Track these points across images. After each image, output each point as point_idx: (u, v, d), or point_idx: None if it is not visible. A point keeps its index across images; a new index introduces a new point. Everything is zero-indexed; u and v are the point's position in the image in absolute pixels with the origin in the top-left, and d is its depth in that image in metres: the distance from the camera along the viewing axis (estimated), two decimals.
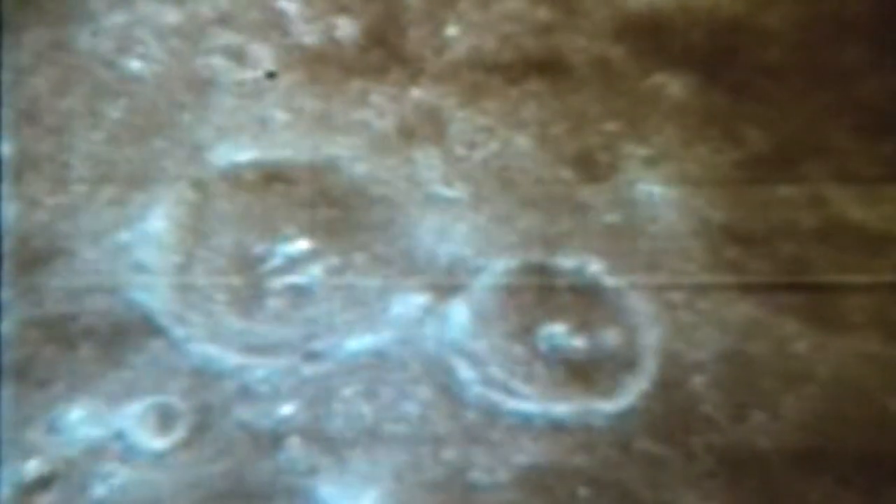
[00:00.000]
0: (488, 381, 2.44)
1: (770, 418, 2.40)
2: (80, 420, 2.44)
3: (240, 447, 2.43)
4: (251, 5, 2.59)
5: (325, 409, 2.44)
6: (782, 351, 2.43)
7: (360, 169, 2.53)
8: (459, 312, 2.47)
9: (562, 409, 2.43)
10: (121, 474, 2.42)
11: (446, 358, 2.45)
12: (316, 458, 2.42)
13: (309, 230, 2.51)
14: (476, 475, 2.41)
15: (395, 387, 2.45)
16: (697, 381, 2.43)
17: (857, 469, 2.38)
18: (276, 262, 2.50)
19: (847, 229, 2.47)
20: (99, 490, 2.42)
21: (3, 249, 2.50)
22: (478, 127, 2.54)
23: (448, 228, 2.51)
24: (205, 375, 2.45)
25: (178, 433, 2.43)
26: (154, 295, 2.49)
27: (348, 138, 2.54)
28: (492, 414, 2.43)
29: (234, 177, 2.53)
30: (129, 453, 2.42)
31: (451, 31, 2.57)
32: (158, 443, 2.43)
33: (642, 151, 2.51)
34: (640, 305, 2.46)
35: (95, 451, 2.43)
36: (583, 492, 2.39)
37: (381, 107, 2.54)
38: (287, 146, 2.54)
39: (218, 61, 2.57)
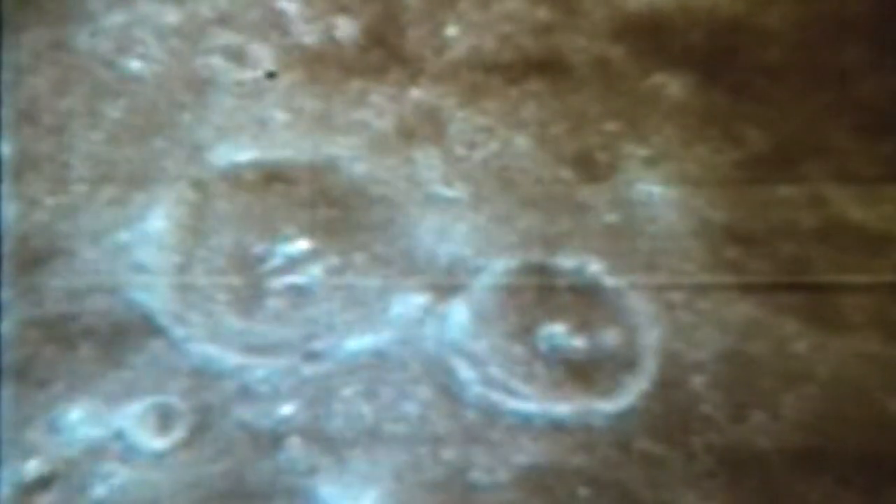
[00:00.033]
0: (488, 381, 2.44)
1: (770, 418, 2.40)
2: (80, 420, 2.44)
3: (240, 447, 2.43)
4: (251, 5, 2.59)
5: (325, 409, 2.44)
6: (782, 351, 2.43)
7: (360, 169, 2.53)
8: (459, 312, 2.47)
9: (562, 409, 2.43)
10: (121, 474, 2.42)
11: (446, 358, 2.45)
12: (316, 458, 2.42)
13: (309, 230, 2.51)
14: (476, 475, 2.41)
15: (395, 387, 2.45)
16: (697, 381, 2.43)
17: (857, 469, 2.38)
18: (276, 262, 2.50)
19: (847, 229, 2.47)
20: (99, 490, 2.42)
21: (3, 249, 2.50)
22: (478, 127, 2.54)
23: (448, 228, 2.51)
24: (205, 375, 2.45)
25: (178, 433, 2.43)
26: (154, 295, 2.49)
27: (348, 138, 2.54)
28: (492, 414, 2.43)
29: (234, 177, 2.53)
30: (129, 453, 2.42)
31: (451, 31, 2.57)
32: (158, 443, 2.43)
33: (642, 151, 2.51)
34: (639, 305, 2.46)
35: (95, 451, 2.43)
36: (583, 492, 2.40)
37: (380, 107, 2.54)
38: (287, 146, 2.54)
39: (218, 61, 2.57)
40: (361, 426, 2.44)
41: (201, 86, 2.56)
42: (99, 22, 2.58)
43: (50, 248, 2.50)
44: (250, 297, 2.48)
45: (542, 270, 2.49)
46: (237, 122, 2.55)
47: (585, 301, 2.47)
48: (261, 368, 2.45)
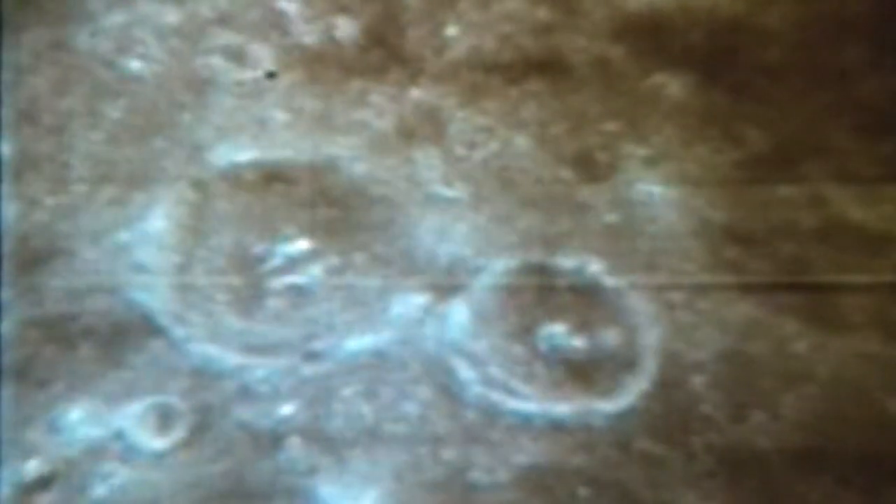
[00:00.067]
0: (488, 381, 2.44)
1: (770, 418, 2.40)
2: (80, 420, 2.44)
3: (240, 447, 2.43)
4: (251, 5, 2.59)
5: (325, 409, 2.44)
6: (782, 351, 2.43)
7: (360, 169, 2.53)
8: (459, 312, 2.47)
9: (562, 409, 2.43)
10: (121, 474, 2.42)
11: (446, 358, 2.45)
12: (316, 458, 2.43)
13: (309, 230, 2.51)
14: (476, 475, 2.41)
15: (395, 387, 2.45)
16: (697, 381, 2.43)
17: (857, 469, 2.38)
18: (276, 262, 2.50)
19: (847, 229, 2.47)
20: (99, 490, 2.42)
21: (3, 249, 2.50)
22: (478, 127, 2.54)
23: (448, 228, 2.51)
24: (205, 375, 2.45)
25: (178, 433, 2.43)
26: (154, 295, 2.49)
27: (348, 138, 2.54)
28: (492, 414, 2.43)
29: (234, 177, 2.53)
30: (129, 453, 2.42)
31: (451, 31, 2.57)
32: (158, 443, 2.43)
33: (642, 151, 2.51)
34: (639, 305, 2.46)
35: (95, 451, 2.43)
36: (583, 492, 2.40)
37: (380, 107, 2.54)
38: (287, 146, 2.54)
39: (218, 61, 2.57)
40: (361, 426, 2.44)
41: (201, 86, 2.56)
42: (99, 22, 2.58)
43: (50, 248, 2.50)
44: (250, 297, 2.49)
45: (542, 270, 2.49)
46: (237, 122, 2.55)
47: (585, 301, 2.47)
48: (261, 368, 2.45)
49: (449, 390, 2.44)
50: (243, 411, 2.44)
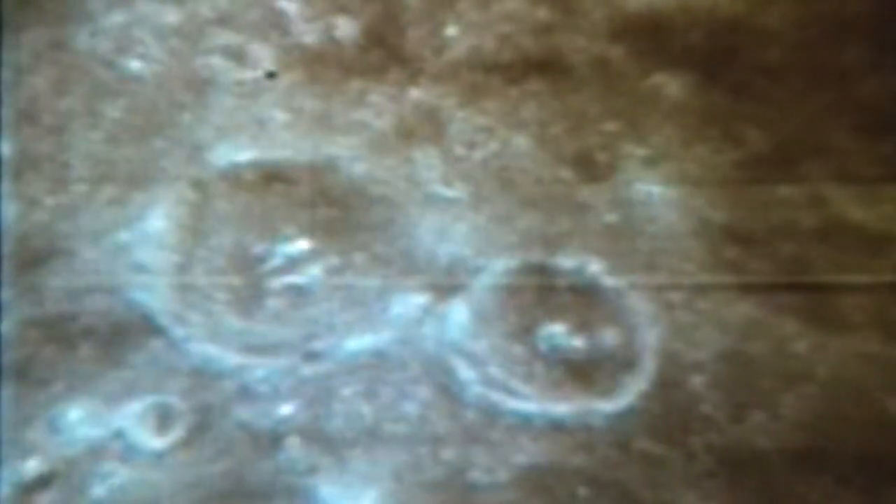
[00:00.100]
0: (488, 381, 2.44)
1: (770, 418, 2.40)
2: (80, 420, 2.44)
3: (239, 447, 2.43)
4: (251, 5, 2.59)
5: (324, 409, 2.44)
6: (782, 351, 2.43)
7: (360, 169, 2.53)
8: (459, 312, 2.47)
9: (561, 409, 2.43)
10: (120, 474, 2.42)
11: (446, 358, 2.45)
12: (316, 457, 2.43)
13: (309, 230, 2.51)
14: (476, 475, 2.41)
15: (395, 387, 2.45)
16: (697, 381, 2.43)
17: (856, 469, 2.38)
18: (275, 262, 2.50)
19: (847, 229, 2.47)
20: (98, 490, 2.42)
21: (3, 249, 2.50)
22: (477, 127, 2.54)
23: (448, 228, 2.51)
24: (204, 375, 2.45)
25: (178, 433, 2.43)
26: (154, 295, 2.49)
27: (348, 138, 2.54)
28: (491, 414, 2.43)
29: (233, 177, 2.53)
30: (129, 453, 2.43)
31: (451, 31, 2.57)
32: (158, 442, 2.43)
33: (642, 151, 2.51)
34: (639, 305, 2.46)
35: (95, 451, 2.43)
36: (582, 492, 2.40)
37: (380, 107, 2.54)
38: (287, 146, 2.54)
39: (217, 61, 2.57)
40: (361, 426, 2.44)
41: (201, 86, 2.56)
42: (99, 22, 2.58)
43: (50, 248, 2.50)
44: (250, 297, 2.49)
45: (542, 270, 2.49)
46: (237, 122, 2.55)
47: (585, 301, 2.47)
48: (260, 368, 2.45)
49: (449, 390, 2.44)
50: (243, 411, 2.44)
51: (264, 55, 2.57)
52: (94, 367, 2.46)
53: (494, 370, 2.44)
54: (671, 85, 2.53)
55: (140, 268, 2.49)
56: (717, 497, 2.39)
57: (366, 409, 2.44)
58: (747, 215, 2.48)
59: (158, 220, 2.51)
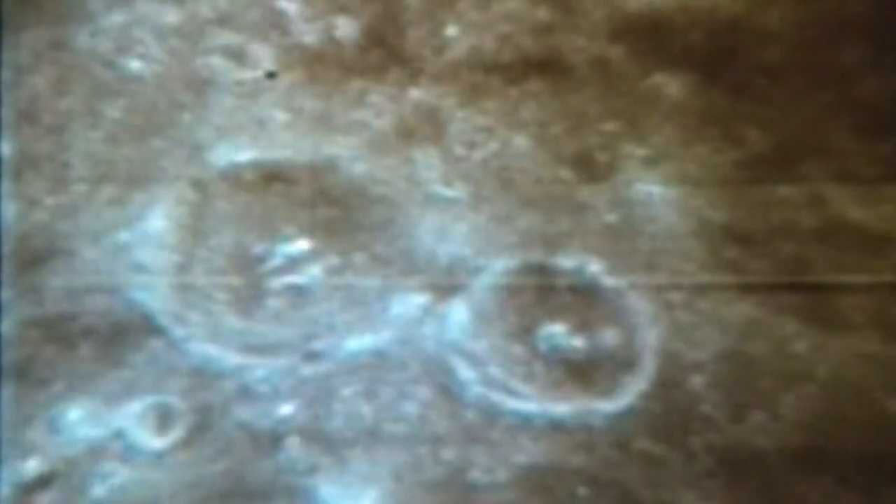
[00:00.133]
0: (488, 381, 2.44)
1: (769, 418, 2.40)
2: (80, 419, 2.44)
3: (239, 447, 2.43)
4: (251, 5, 2.59)
5: (324, 408, 2.44)
6: (782, 351, 2.43)
7: (360, 169, 2.53)
8: (459, 312, 2.47)
9: (561, 408, 2.43)
10: (120, 474, 2.42)
11: (446, 358, 2.45)
12: (316, 457, 2.43)
13: (309, 230, 2.51)
14: (475, 475, 2.41)
15: (395, 387, 2.45)
16: (697, 381, 2.43)
17: (856, 469, 2.38)
18: (275, 262, 2.50)
19: (847, 229, 2.47)
20: (98, 489, 2.42)
21: (3, 249, 2.50)
22: (477, 127, 2.54)
23: (448, 228, 2.51)
24: (204, 375, 2.45)
25: (178, 433, 2.43)
26: (154, 295, 2.49)
27: (348, 138, 2.54)
28: (491, 414, 2.43)
29: (233, 177, 2.53)
30: (129, 453, 2.43)
31: (451, 31, 2.57)
32: (158, 442, 2.43)
33: (641, 151, 2.51)
34: (639, 305, 2.46)
35: (95, 451, 2.43)
36: (582, 491, 2.40)
37: (380, 107, 2.54)
38: (286, 146, 2.54)
39: (217, 61, 2.57)
40: (361, 426, 2.44)
41: (201, 86, 2.56)
42: (99, 22, 2.58)
43: (50, 247, 2.50)
44: (250, 297, 2.49)
45: (541, 270, 2.49)
46: (237, 122, 2.55)
47: (585, 301, 2.47)
48: (260, 368, 2.45)
49: (449, 390, 2.44)
50: (243, 411, 2.44)
51: (264, 55, 2.57)
52: (94, 367, 2.46)
53: (494, 370, 2.44)
54: (671, 85, 2.53)
55: (140, 268, 2.49)
56: (717, 497, 2.39)
57: (366, 409, 2.44)
58: (747, 215, 2.49)
59: (158, 220, 2.51)
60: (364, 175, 2.52)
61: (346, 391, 2.45)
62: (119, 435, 2.43)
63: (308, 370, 2.45)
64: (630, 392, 2.43)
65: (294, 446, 2.43)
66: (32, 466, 2.42)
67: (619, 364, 2.44)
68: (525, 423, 2.42)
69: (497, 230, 2.50)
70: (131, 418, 2.44)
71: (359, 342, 2.46)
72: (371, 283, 2.49)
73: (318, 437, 2.43)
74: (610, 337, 2.45)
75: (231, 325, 2.47)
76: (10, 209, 2.51)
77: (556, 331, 2.46)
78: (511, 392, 2.44)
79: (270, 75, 2.57)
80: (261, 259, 2.50)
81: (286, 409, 2.44)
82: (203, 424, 2.43)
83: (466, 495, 2.41)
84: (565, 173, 2.52)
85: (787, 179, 2.49)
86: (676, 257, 2.47)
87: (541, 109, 2.54)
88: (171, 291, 2.49)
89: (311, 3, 2.59)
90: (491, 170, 2.52)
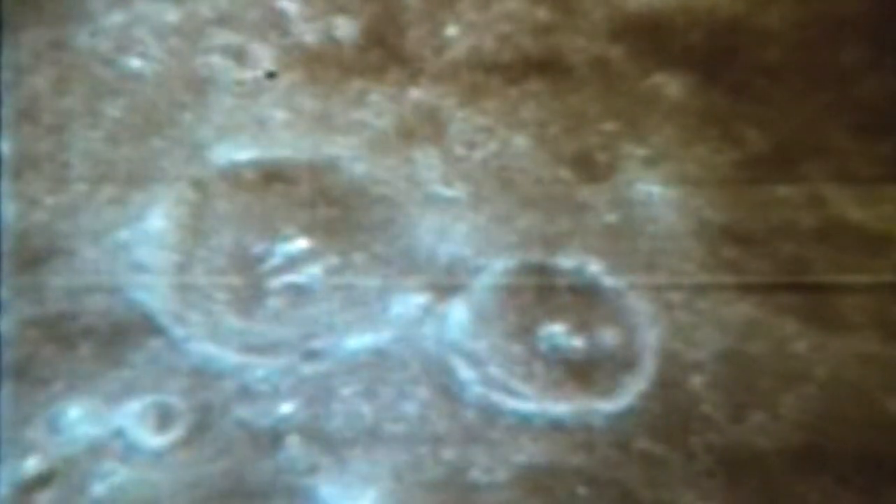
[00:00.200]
0: (488, 381, 2.44)
1: (769, 418, 2.40)
2: (80, 419, 2.44)
3: (239, 446, 2.43)
4: (251, 5, 2.59)
5: (324, 408, 2.44)
6: (782, 351, 2.43)
7: (360, 169, 2.53)
8: (459, 312, 2.47)
9: (561, 408, 2.43)
10: (120, 473, 2.42)
11: (446, 358, 2.45)
12: (315, 457, 2.43)
13: (308, 230, 2.51)
14: (475, 475, 2.41)
15: (395, 386, 2.45)
16: (696, 380, 2.43)
17: (856, 469, 2.38)
18: (275, 261, 2.50)
19: (847, 229, 2.47)
20: (98, 489, 2.42)
21: (2, 249, 2.50)
22: (477, 127, 2.54)
23: (448, 228, 2.51)
24: (204, 374, 2.45)
25: (178, 432, 2.43)
26: (154, 294, 2.49)
27: (348, 138, 2.54)
28: (491, 414, 2.43)
29: (233, 176, 2.53)
30: (129, 452, 2.42)
31: (451, 31, 2.57)
32: (158, 442, 2.43)
33: (641, 151, 2.51)
34: (639, 305, 2.46)
35: (95, 450, 2.43)
36: (582, 491, 2.40)
37: (380, 107, 2.55)
38: (286, 146, 2.54)
39: (217, 61, 2.57)
40: (361, 426, 2.44)
41: (201, 85, 2.56)
42: (99, 21, 2.58)
43: (50, 247, 2.50)
44: (250, 297, 2.49)
45: (541, 270, 2.49)
46: (237, 122, 2.55)
47: (585, 301, 2.47)
48: (260, 368, 2.45)
49: (448, 390, 2.44)
50: (243, 410, 2.44)
51: (264, 55, 2.57)
52: (94, 366, 2.46)
53: (494, 370, 2.44)
54: (671, 85, 2.53)
55: (140, 267, 2.49)
56: (716, 497, 2.39)
57: (366, 409, 2.44)
58: (747, 215, 2.49)
59: (158, 219, 2.51)
60: (364, 175, 2.52)
61: (346, 391, 2.45)
62: (119, 434, 2.43)
63: (308, 370, 2.45)
64: (630, 392, 2.43)
65: (294, 446, 2.43)
66: (32, 465, 2.42)
67: (619, 364, 2.44)
68: (525, 423, 2.42)
69: (497, 230, 2.50)
70: (131, 417, 2.44)
71: (359, 342, 2.46)
72: (371, 282, 2.49)
73: (318, 436, 2.43)
74: (610, 337, 2.45)
75: (231, 325, 2.47)
76: (10, 209, 2.51)
77: (556, 331, 2.46)
78: (511, 392, 2.44)
79: (270, 75, 2.57)
80: (261, 259, 2.50)
81: (286, 409, 2.44)
82: (203, 424, 2.43)
83: (466, 495, 2.40)
84: (565, 173, 2.52)
85: (786, 179, 2.49)
86: (676, 257, 2.48)
87: (541, 109, 2.54)
88: (171, 291, 2.49)
89: (311, 3, 2.59)
90: (491, 170, 2.52)
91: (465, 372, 2.44)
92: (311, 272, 2.49)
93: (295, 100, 2.55)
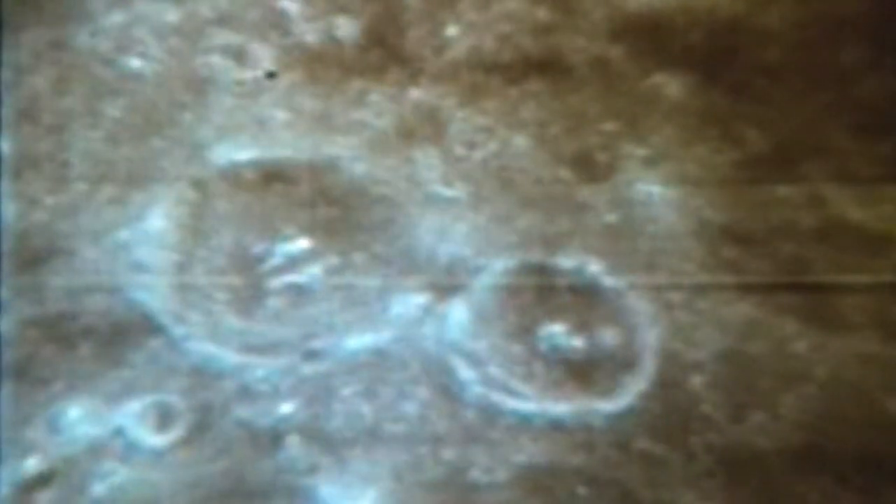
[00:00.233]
0: (488, 381, 2.44)
1: (769, 418, 2.40)
2: (80, 418, 2.44)
3: (239, 446, 2.43)
4: (251, 5, 2.59)
5: (324, 408, 2.44)
6: (782, 351, 2.43)
7: (360, 169, 2.53)
8: (459, 312, 2.47)
9: (561, 408, 2.43)
10: (120, 473, 2.42)
11: (446, 358, 2.45)
12: (316, 457, 2.43)
13: (309, 230, 2.51)
14: (475, 475, 2.41)
15: (395, 386, 2.45)
16: (696, 380, 2.43)
17: (856, 469, 2.38)
18: (275, 261, 2.50)
19: (847, 229, 2.47)
20: (98, 488, 2.42)
21: (2, 249, 2.50)
22: (477, 127, 2.54)
23: (448, 228, 2.51)
24: (204, 374, 2.45)
25: (178, 432, 2.43)
26: (154, 294, 2.49)
27: (348, 138, 2.54)
28: (491, 414, 2.43)
29: (233, 176, 2.53)
30: (129, 452, 2.42)
31: (451, 31, 2.57)
32: (158, 441, 2.43)
33: (641, 151, 2.51)
34: (639, 305, 2.46)
35: (95, 450, 2.43)
36: (582, 491, 2.39)
37: (380, 106, 2.55)
38: (287, 146, 2.54)
39: (217, 61, 2.57)
40: (361, 426, 2.44)
41: (201, 85, 2.56)
42: (99, 21, 2.58)
43: (50, 247, 2.50)
44: (250, 297, 2.49)
45: (541, 270, 2.49)
46: (237, 122, 2.55)
47: (585, 301, 2.47)
48: (260, 368, 2.45)
49: (448, 390, 2.44)
50: (243, 410, 2.44)
51: (264, 55, 2.57)
52: (94, 366, 2.46)
53: (494, 370, 2.44)
54: (671, 85, 2.53)
55: (140, 267, 2.49)
56: (716, 497, 2.39)
57: (366, 409, 2.44)
58: (747, 215, 2.49)
59: (158, 219, 2.51)
60: (364, 175, 2.52)
61: (346, 391, 2.45)
62: (119, 434, 2.43)
63: (308, 369, 2.45)
64: (630, 392, 2.43)
65: (294, 446, 2.43)
66: (32, 465, 2.42)
67: (619, 364, 2.44)
68: (525, 422, 2.42)
69: (497, 230, 2.50)
70: (131, 417, 2.44)
71: (359, 342, 2.46)
72: (371, 282, 2.49)
73: (318, 436, 2.43)
74: (610, 337, 2.45)
75: (231, 325, 2.47)
76: (10, 209, 2.51)
77: (556, 331, 2.46)
78: (511, 392, 2.44)
79: (270, 75, 2.57)
80: (261, 259, 2.50)
81: (286, 409, 2.44)
82: (203, 424, 2.43)
83: (466, 495, 2.40)
84: (565, 173, 2.52)
85: (786, 179, 2.49)
86: (676, 257, 2.48)
87: (541, 109, 2.54)
88: (171, 291, 2.49)
89: (311, 2, 2.59)
90: (491, 170, 2.52)
91: (465, 372, 2.44)
92: (312, 272, 2.49)
93: (295, 100, 2.55)
